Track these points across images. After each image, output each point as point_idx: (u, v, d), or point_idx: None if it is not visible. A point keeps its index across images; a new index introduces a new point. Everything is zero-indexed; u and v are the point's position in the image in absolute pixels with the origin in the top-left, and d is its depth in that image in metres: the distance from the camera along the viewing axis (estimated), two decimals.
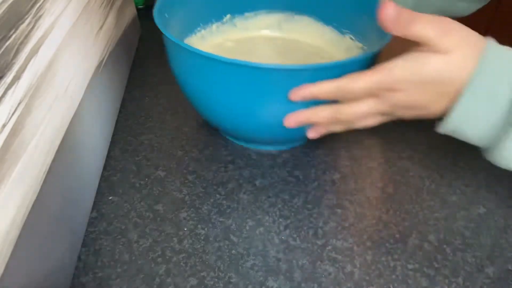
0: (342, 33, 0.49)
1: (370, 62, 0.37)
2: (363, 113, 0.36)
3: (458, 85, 0.32)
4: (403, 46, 0.34)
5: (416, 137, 0.48)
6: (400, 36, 0.32)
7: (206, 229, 0.37)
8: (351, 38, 0.49)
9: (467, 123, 0.34)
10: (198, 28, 0.51)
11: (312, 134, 0.39)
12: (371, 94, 0.34)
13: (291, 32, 0.53)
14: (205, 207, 0.39)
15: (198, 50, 0.36)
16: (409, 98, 0.34)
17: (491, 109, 0.32)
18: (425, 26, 0.31)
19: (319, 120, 0.37)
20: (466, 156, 0.46)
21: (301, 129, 0.39)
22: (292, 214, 0.38)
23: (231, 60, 0.34)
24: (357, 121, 0.37)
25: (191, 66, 0.39)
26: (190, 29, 0.50)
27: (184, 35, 0.49)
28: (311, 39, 0.52)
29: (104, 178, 0.41)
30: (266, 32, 0.54)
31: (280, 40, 0.53)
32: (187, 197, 0.40)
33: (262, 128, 0.41)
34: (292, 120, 0.37)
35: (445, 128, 0.35)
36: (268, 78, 0.35)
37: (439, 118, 0.35)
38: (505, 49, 0.33)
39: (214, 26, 0.52)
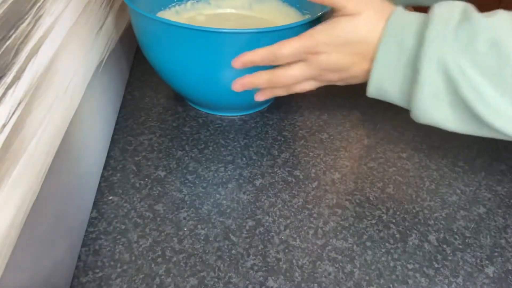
0: (303, 14, 0.54)
1: (305, 28, 0.41)
2: (294, 75, 0.40)
3: (372, 45, 0.37)
4: None
5: (416, 137, 0.48)
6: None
7: (206, 229, 0.37)
8: None
9: (386, 80, 0.38)
10: (173, 4, 0.54)
11: (258, 97, 0.44)
12: (299, 57, 0.39)
13: (260, 12, 0.57)
14: (205, 207, 0.39)
15: (152, 15, 0.41)
16: (331, 60, 0.39)
17: (401, 62, 0.36)
18: None
19: (260, 83, 0.42)
20: (466, 156, 0.46)
21: (250, 93, 0.44)
22: (292, 214, 0.38)
23: (181, 24, 0.39)
24: (294, 86, 0.42)
25: (150, 32, 0.43)
26: (164, 4, 0.54)
27: (157, 9, 0.53)
28: (277, 18, 0.56)
29: (104, 178, 0.41)
30: (237, 11, 0.58)
31: (249, 19, 0.57)
32: (187, 197, 0.40)
33: (218, 92, 0.45)
34: (238, 84, 0.42)
35: (370, 90, 0.39)
36: (216, 41, 0.40)
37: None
38: (411, 12, 0.37)
39: (188, 3, 0.55)
